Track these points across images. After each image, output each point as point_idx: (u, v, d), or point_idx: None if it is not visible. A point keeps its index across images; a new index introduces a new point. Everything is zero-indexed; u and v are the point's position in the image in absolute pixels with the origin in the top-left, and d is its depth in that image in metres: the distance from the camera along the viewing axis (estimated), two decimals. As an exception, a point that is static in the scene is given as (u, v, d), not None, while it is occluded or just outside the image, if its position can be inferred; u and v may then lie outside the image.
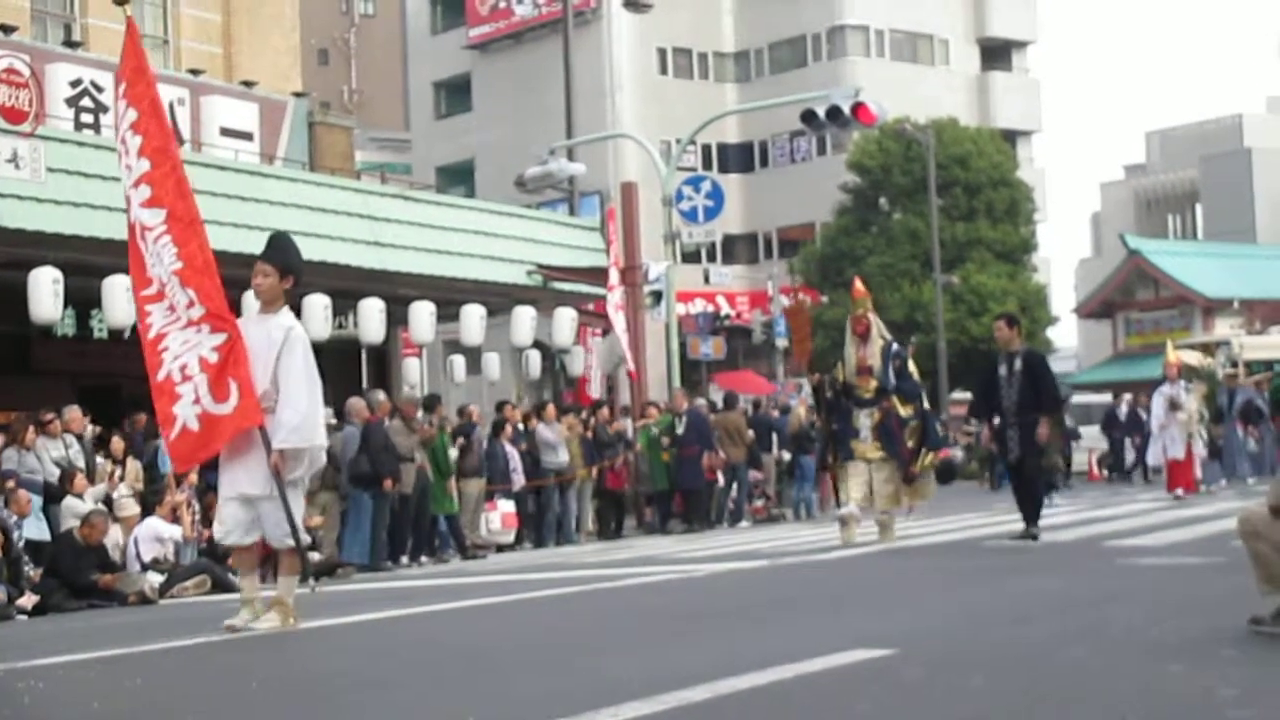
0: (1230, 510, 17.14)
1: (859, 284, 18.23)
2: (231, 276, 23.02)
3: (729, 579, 13.58)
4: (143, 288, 10.85)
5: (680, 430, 25.86)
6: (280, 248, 10.87)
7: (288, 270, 10.68)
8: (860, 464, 17.21)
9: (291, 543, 10.53)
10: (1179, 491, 24.61)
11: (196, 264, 10.67)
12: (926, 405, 17.88)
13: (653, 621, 10.31)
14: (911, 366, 17.66)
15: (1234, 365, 37.01)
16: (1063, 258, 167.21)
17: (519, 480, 23.67)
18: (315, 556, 19.14)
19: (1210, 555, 12.74)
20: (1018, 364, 16.13)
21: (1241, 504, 15.32)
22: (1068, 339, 78.59)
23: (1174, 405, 25.37)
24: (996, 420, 16.36)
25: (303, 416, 10.33)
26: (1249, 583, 8.08)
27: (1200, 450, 25.94)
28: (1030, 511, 16.18)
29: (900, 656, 7.50)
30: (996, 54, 68.96)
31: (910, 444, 17.16)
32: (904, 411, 17.14)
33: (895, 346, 17.52)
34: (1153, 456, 27.33)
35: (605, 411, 27.29)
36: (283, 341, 10.43)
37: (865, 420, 17.21)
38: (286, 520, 10.38)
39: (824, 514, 27.67)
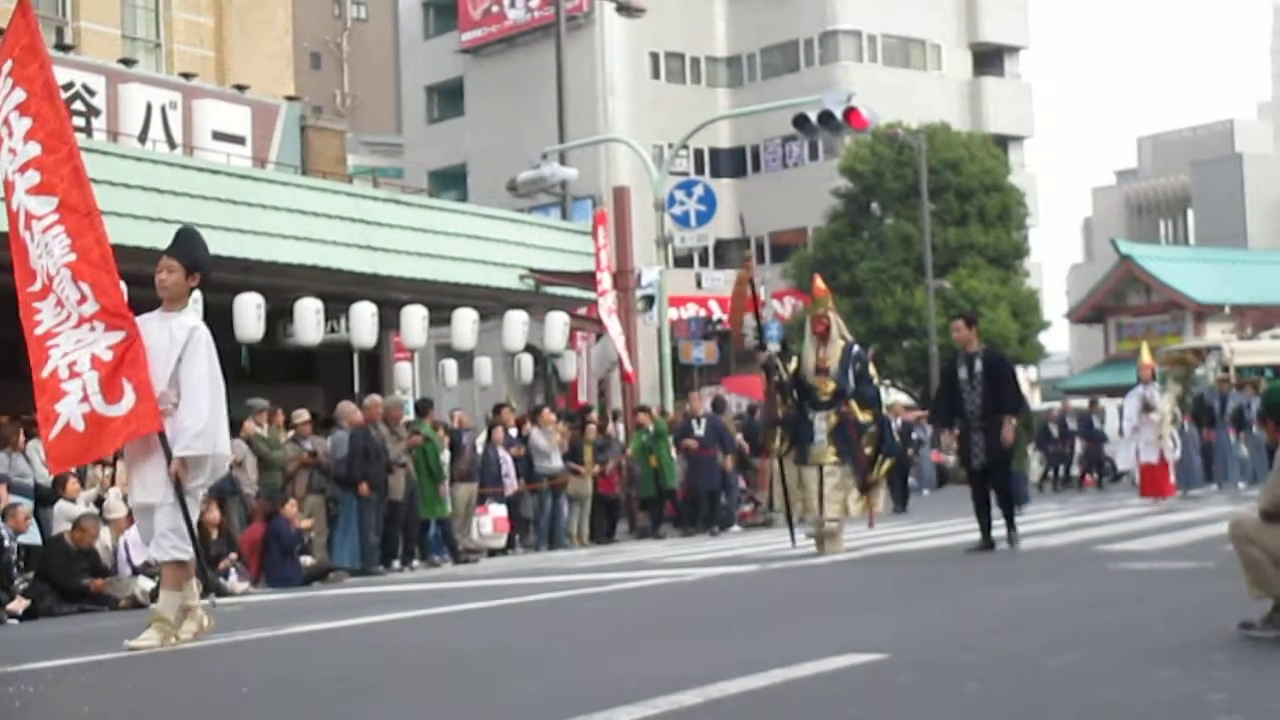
0: (1221, 515, 17.18)
1: (819, 282, 17.65)
2: (224, 280, 23.09)
3: (720, 583, 13.59)
4: (28, 283, 10.20)
5: (700, 431, 26.03)
6: (186, 242, 10.27)
7: (194, 266, 10.09)
8: (813, 470, 16.52)
9: (177, 555, 9.90)
10: (1154, 498, 24.29)
11: (93, 257, 10.04)
12: (885, 412, 17.40)
13: (644, 626, 10.32)
14: (872, 370, 17.13)
15: (1225, 370, 37.00)
16: (1054, 263, 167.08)
17: (511, 485, 23.67)
18: (307, 561, 19.21)
19: (1201, 560, 12.75)
20: (978, 365, 15.67)
21: (1232, 509, 15.36)
22: (1059, 344, 78.79)
23: (1147, 406, 24.88)
24: (959, 425, 15.85)
25: (205, 423, 9.74)
26: (1240, 587, 8.09)
27: (1173, 453, 25.30)
28: (1008, 517, 15.80)
29: (891, 661, 7.51)
30: (988, 59, 69.03)
31: (868, 451, 16.51)
32: (862, 417, 16.51)
33: (856, 349, 16.88)
34: (1124, 460, 26.73)
35: (596, 415, 27.30)
36: (185, 342, 9.84)
37: (821, 424, 16.50)
38: (185, 530, 9.81)
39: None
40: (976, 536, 15.73)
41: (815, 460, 16.49)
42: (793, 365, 16.87)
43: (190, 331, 9.89)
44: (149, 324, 10.01)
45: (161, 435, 9.75)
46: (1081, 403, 40.38)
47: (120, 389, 9.78)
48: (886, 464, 16.90)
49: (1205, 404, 29.44)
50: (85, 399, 9.86)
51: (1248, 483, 28.90)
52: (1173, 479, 25.28)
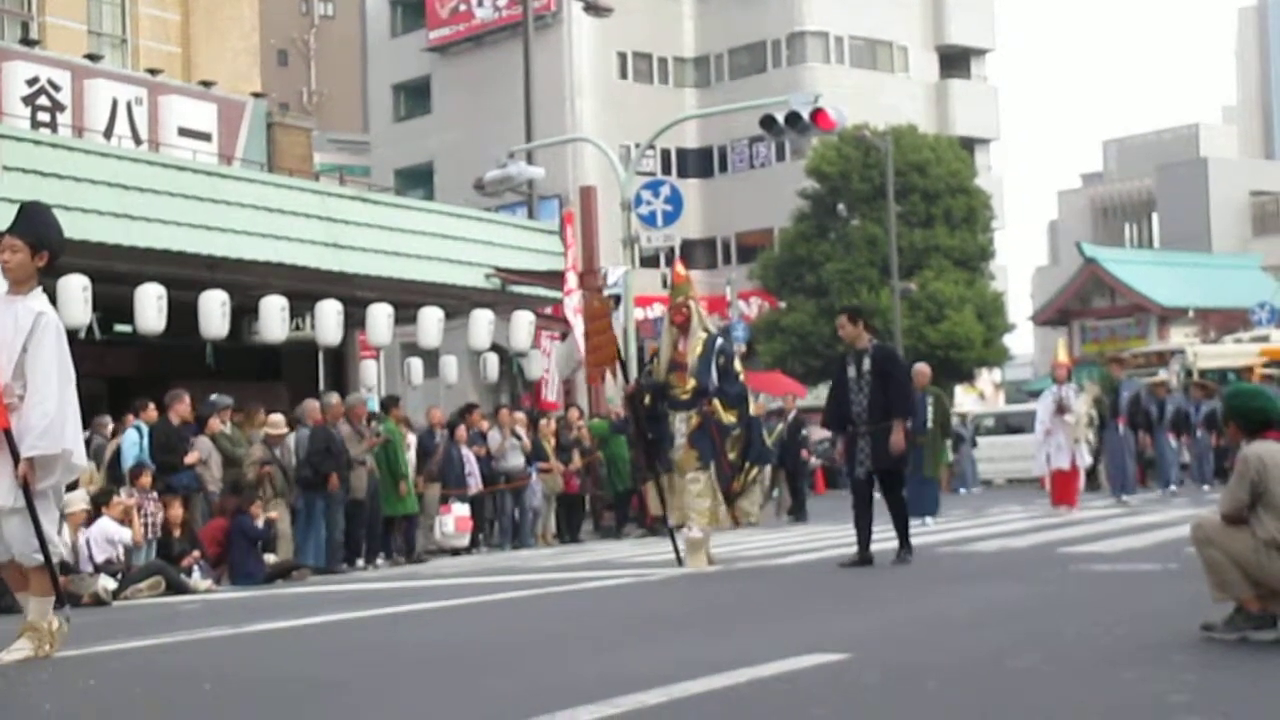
0: (1183, 518, 17.24)
1: (679, 268, 15.92)
2: (188, 277, 23.01)
3: (684, 583, 13.59)
4: None
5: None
6: (31, 219, 9.25)
7: (41, 245, 9.12)
8: (674, 476, 15.00)
9: (40, 559, 9.06)
10: (1062, 509, 22.64)
11: None
12: (753, 412, 15.64)
13: (608, 625, 10.32)
14: (738, 366, 15.23)
15: (1188, 374, 37.11)
16: (1020, 265, 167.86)
17: (475, 484, 23.65)
18: (270, 558, 19.15)
19: (1164, 562, 12.80)
20: (866, 363, 14.39)
21: (1194, 511, 15.43)
22: (1024, 346, 79.00)
23: (1061, 408, 23.21)
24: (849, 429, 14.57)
25: (52, 419, 8.83)
26: (1202, 590, 8.13)
27: (1085, 459, 23.77)
28: (900, 531, 14.54)
29: (855, 661, 7.52)
30: (955, 62, 69.25)
31: (732, 456, 14.81)
32: (726, 418, 14.78)
33: (720, 341, 15.12)
34: (1039, 466, 24.63)
35: (575, 413, 27.29)
36: (31, 328, 8.91)
37: (680, 425, 14.88)
38: (35, 535, 8.98)
39: (779, 519, 27.70)
40: (854, 550, 14.58)
41: (677, 467, 14.96)
42: (655, 368, 15.38)
43: (36, 317, 8.98)
44: None
45: (7, 432, 8.88)
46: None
47: None
48: (754, 471, 15.25)
49: (1141, 406, 27.52)
50: None
51: (1178, 485, 28.66)
52: (1081, 486, 23.85)
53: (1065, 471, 23.10)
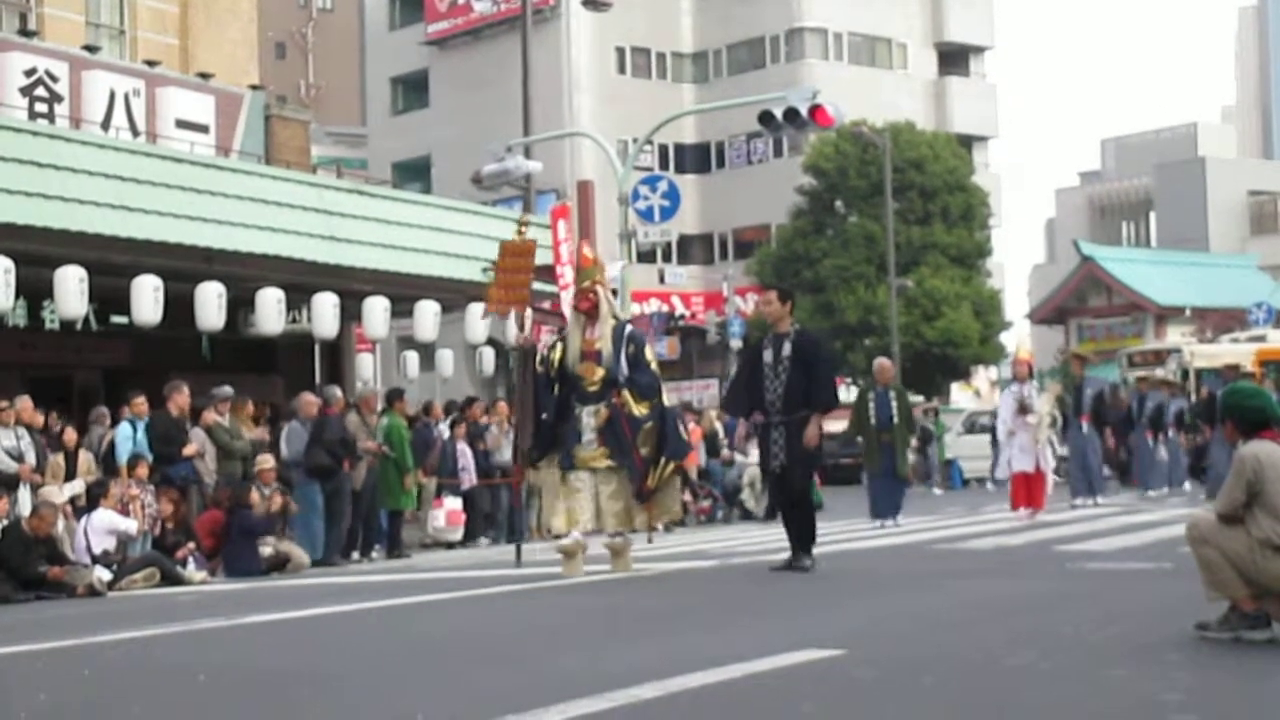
0: (1178, 516, 17.26)
1: (586, 251, 14.98)
2: (184, 269, 23.00)
3: (679, 579, 13.59)
4: None
5: None
6: None
7: None
8: (584, 474, 13.67)
9: None
10: (1026, 511, 21.57)
11: None
12: (667, 403, 14.22)
13: (603, 620, 10.32)
14: (649, 355, 14.04)
15: (1184, 374, 37.06)
16: (1017, 263, 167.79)
17: (469, 478, 23.66)
18: (266, 551, 19.13)
19: (1158, 561, 12.81)
20: (787, 348, 13.46)
21: (1189, 511, 15.44)
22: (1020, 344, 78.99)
23: (1023, 408, 22.19)
24: (759, 418, 13.63)
25: None
26: (1196, 589, 8.14)
27: (1049, 461, 22.57)
28: (803, 536, 13.65)
29: (849, 657, 7.53)
30: (954, 59, 69.21)
31: (644, 451, 13.54)
32: (637, 410, 13.60)
33: (630, 329, 14.08)
34: (1001, 469, 23.90)
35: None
36: None
37: (589, 419, 13.68)
38: None
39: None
40: (786, 553, 13.87)
41: (583, 464, 13.69)
42: (557, 353, 14.13)
43: None
44: None
45: None
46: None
47: None
48: (669, 467, 13.84)
49: (1105, 404, 26.00)
50: None
51: (1158, 490, 28.27)
52: (1049, 488, 22.72)
53: (1029, 474, 22.10)
